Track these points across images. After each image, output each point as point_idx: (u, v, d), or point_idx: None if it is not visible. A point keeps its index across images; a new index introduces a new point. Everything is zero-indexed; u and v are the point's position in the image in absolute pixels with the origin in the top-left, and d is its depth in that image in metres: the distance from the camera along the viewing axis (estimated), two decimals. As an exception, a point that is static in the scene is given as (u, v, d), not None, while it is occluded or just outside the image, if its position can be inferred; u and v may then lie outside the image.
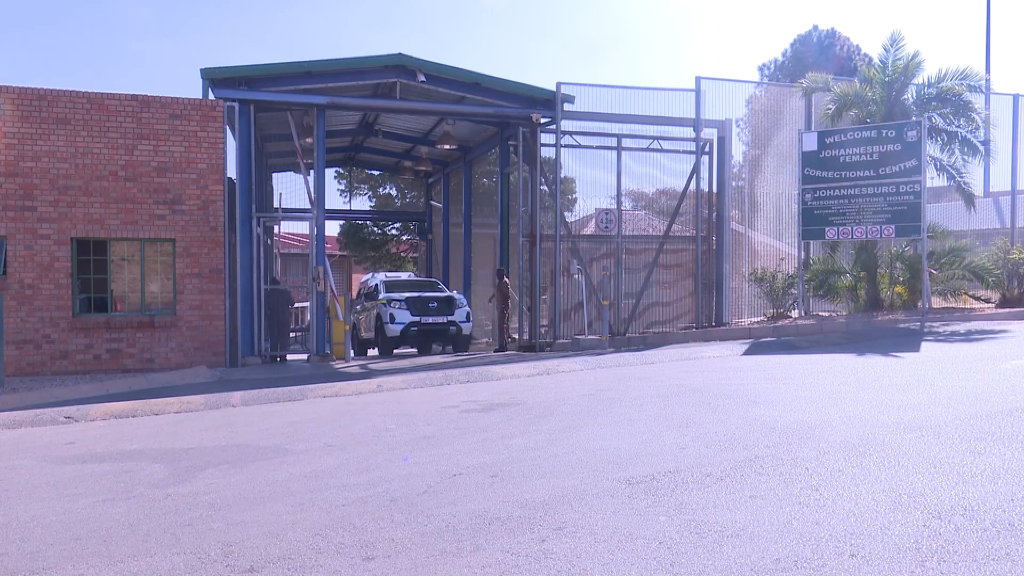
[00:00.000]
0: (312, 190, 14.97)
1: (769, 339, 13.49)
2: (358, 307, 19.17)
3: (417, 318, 16.28)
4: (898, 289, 15.32)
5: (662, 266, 16.45)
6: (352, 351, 17.92)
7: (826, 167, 14.38)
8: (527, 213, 15.76)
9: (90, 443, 6.99)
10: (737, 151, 17.43)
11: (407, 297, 16.58)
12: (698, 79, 16.01)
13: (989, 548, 3.22)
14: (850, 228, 14.21)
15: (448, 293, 17.71)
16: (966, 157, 15.08)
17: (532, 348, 15.26)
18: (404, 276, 20.36)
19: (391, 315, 16.30)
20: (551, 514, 3.99)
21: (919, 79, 15.22)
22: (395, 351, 17.37)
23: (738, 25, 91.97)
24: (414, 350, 18.24)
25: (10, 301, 12.30)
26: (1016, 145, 18.22)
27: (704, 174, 16.25)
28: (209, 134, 13.29)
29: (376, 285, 18.33)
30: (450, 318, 16.53)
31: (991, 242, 17.28)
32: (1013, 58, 70.36)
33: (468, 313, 17.11)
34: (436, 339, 17.51)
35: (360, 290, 20.36)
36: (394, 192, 31.66)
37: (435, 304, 16.63)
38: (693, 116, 15.99)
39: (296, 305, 22.72)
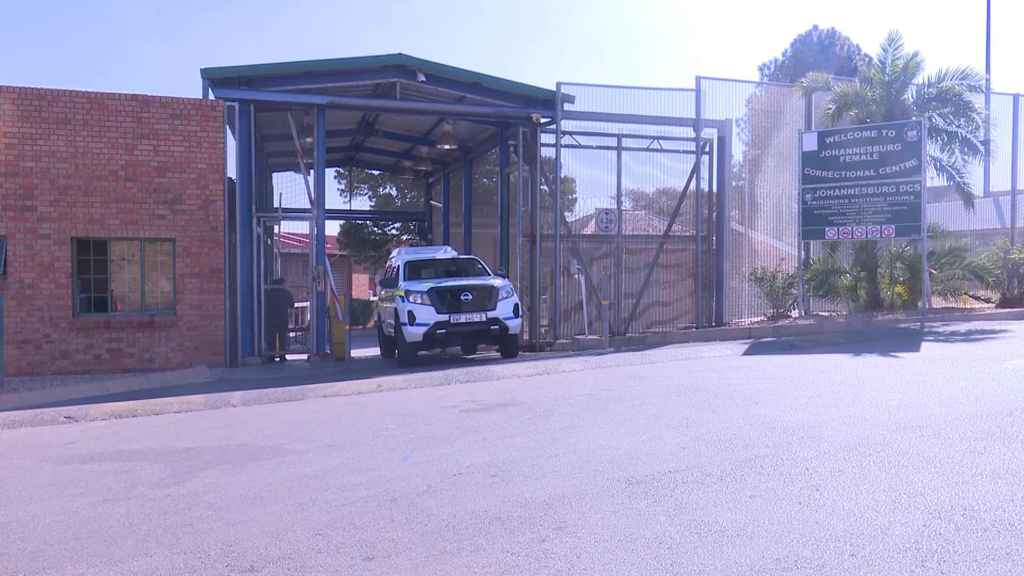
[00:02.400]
0: (312, 190, 14.96)
1: (769, 339, 13.49)
2: (382, 292, 15.94)
3: (445, 316, 12.47)
4: (898, 289, 15.32)
5: (662, 266, 16.45)
6: (379, 350, 16.08)
7: (826, 167, 14.38)
8: (527, 213, 15.76)
9: (90, 443, 6.99)
10: (737, 151, 17.44)
11: (431, 288, 12.69)
12: (698, 79, 16.02)
13: (989, 548, 3.22)
14: (850, 228, 14.21)
15: (487, 280, 13.35)
16: (966, 157, 15.09)
17: (532, 348, 15.25)
18: (440, 253, 15.70)
19: (409, 313, 12.54)
20: (551, 514, 3.99)
21: (919, 79, 15.23)
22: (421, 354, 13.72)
23: (738, 25, 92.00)
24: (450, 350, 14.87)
25: (10, 301, 12.31)
26: (1016, 145, 18.22)
27: (704, 174, 16.26)
28: (209, 134, 13.29)
29: (398, 268, 14.28)
30: (491, 314, 12.68)
31: (991, 242, 17.29)
32: (1013, 58, 70.39)
33: (516, 306, 13.11)
34: (473, 342, 13.98)
35: (385, 273, 16.34)
36: (394, 192, 31.65)
37: (469, 296, 12.67)
38: (693, 116, 15.99)
39: (296, 305, 22.73)
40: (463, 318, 12.62)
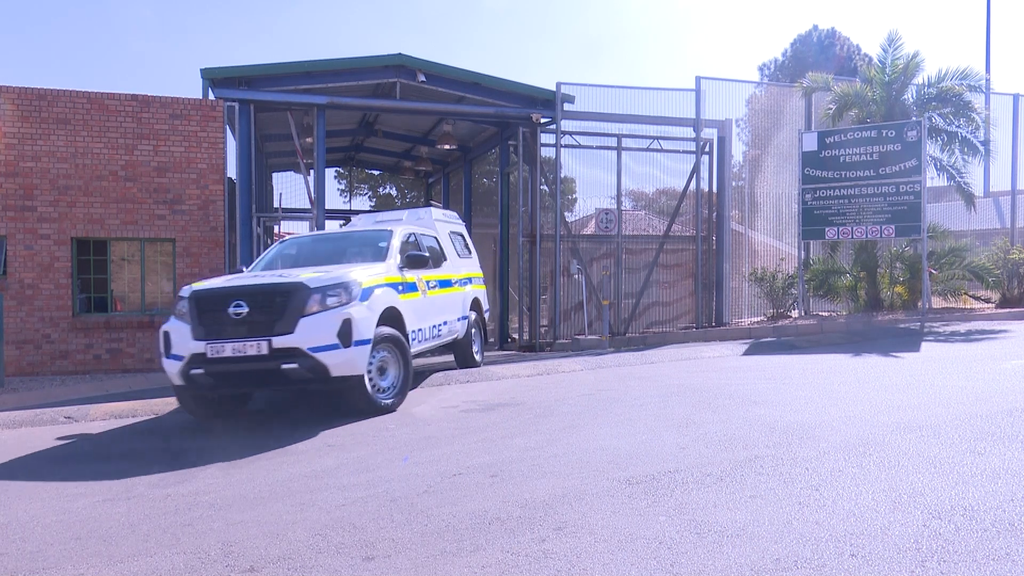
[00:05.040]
0: (312, 190, 14.96)
1: (769, 339, 13.49)
2: None
3: (201, 346, 7.02)
4: (898, 289, 15.32)
5: (662, 266, 16.44)
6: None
7: (826, 167, 14.39)
8: (527, 213, 15.76)
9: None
10: (737, 151, 17.43)
11: (194, 292, 7.37)
12: (698, 79, 16.01)
13: (989, 548, 3.22)
14: (850, 228, 14.21)
15: (294, 277, 7.31)
16: (966, 157, 15.09)
17: (532, 348, 15.25)
18: (394, 217, 11.17)
19: (165, 336, 7.40)
20: (551, 514, 3.99)
21: (919, 79, 15.23)
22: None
23: (738, 25, 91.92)
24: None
25: (10, 301, 12.30)
26: (1016, 145, 18.22)
27: (704, 174, 16.24)
28: (209, 134, 13.29)
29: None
30: (280, 343, 6.90)
31: (991, 242, 17.30)
32: (1013, 58, 70.40)
33: (347, 323, 7.06)
34: (250, 388, 7.97)
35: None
36: (394, 192, 31.66)
37: (242, 307, 7.02)
38: (693, 116, 15.98)
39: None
40: (228, 349, 6.94)
